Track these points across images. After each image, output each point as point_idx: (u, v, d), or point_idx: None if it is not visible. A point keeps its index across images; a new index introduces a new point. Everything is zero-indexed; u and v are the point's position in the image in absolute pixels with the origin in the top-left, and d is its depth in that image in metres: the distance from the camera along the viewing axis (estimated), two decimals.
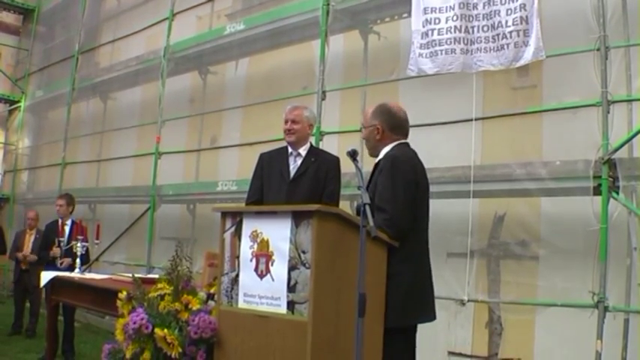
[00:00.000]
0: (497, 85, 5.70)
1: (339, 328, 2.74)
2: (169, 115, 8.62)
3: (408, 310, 2.96)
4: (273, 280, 2.84)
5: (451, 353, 5.66)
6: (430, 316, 3.10)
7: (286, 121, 4.01)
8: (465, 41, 5.17)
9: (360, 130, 3.73)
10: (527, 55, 4.85)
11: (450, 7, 5.26)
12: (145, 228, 8.53)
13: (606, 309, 4.38)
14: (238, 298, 2.98)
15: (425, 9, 5.42)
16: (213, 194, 7.78)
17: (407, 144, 3.22)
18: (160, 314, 3.16)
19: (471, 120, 5.24)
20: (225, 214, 3.12)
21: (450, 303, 5.10)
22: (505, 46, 4.95)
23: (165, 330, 3.08)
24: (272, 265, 2.85)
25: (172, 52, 8.73)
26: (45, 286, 4.91)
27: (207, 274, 3.72)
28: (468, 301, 5.12)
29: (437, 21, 5.33)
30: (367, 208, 2.59)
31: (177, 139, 8.78)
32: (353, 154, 2.87)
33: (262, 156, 4.16)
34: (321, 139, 6.29)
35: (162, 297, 3.24)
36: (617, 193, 4.48)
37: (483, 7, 5.10)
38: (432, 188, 3.25)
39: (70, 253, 6.13)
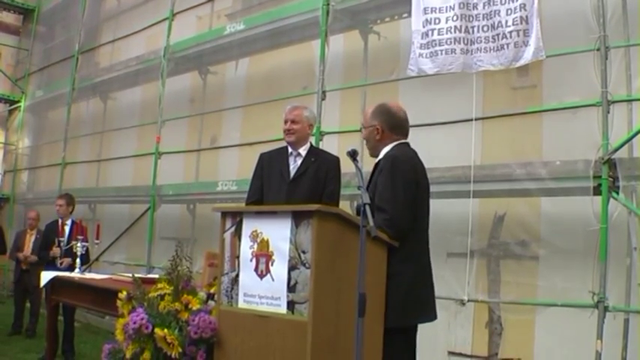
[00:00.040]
0: (497, 85, 5.71)
1: (339, 328, 2.74)
2: (169, 115, 8.62)
3: (408, 310, 2.96)
4: (273, 280, 2.84)
5: (451, 353, 5.67)
6: (431, 315, 3.09)
7: (286, 121, 4.01)
8: (465, 41, 5.17)
9: (360, 130, 3.74)
10: (527, 55, 4.85)
11: (450, 7, 5.26)
12: (145, 228, 8.53)
13: (606, 309, 4.38)
14: (238, 298, 2.98)
15: (425, 9, 5.42)
16: (213, 194, 7.78)
17: (407, 144, 3.22)
18: (159, 314, 3.16)
19: (471, 120, 5.24)
20: (225, 214, 3.12)
21: (450, 303, 5.10)
22: (505, 46, 4.95)
23: (165, 330, 3.08)
24: (272, 265, 2.85)
25: (172, 52, 8.73)
26: (45, 286, 4.91)
27: (207, 274, 3.72)
28: (468, 301, 5.12)
29: (437, 21, 5.33)
30: (367, 208, 2.59)
31: (177, 139, 8.78)
32: (353, 154, 2.86)
33: (262, 156, 4.16)
34: (321, 139, 6.29)
35: (162, 297, 3.24)
36: (617, 193, 4.48)
37: (483, 7, 5.10)
38: (432, 188, 3.25)
39: (70, 253, 6.13)
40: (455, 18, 5.21)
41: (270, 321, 2.83)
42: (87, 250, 5.75)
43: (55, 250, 6.52)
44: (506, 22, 4.93)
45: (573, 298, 4.61)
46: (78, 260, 5.34)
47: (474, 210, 5.22)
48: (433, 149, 4.93)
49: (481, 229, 5.47)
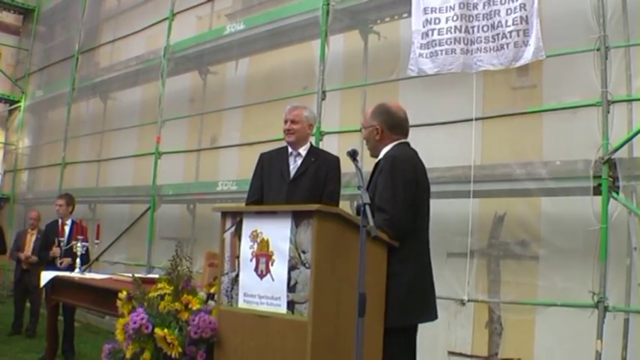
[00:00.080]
0: (497, 85, 5.71)
1: (339, 328, 2.74)
2: (169, 115, 8.62)
3: (408, 310, 2.96)
4: (273, 280, 2.84)
5: (451, 353, 5.67)
6: (431, 315, 3.09)
7: (286, 121, 4.01)
8: (465, 41, 5.17)
9: (360, 130, 3.73)
10: (527, 55, 4.86)
11: (450, 7, 5.26)
12: (145, 228, 8.53)
13: (606, 309, 4.38)
14: (238, 298, 2.98)
15: (425, 9, 5.43)
16: (213, 194, 7.78)
17: (407, 143, 3.22)
18: (159, 314, 3.16)
19: (471, 120, 5.24)
20: (225, 214, 3.13)
21: (450, 303, 5.10)
22: (505, 46, 4.95)
23: (166, 330, 3.08)
24: (272, 265, 2.85)
25: (172, 52, 8.73)
26: (45, 286, 4.91)
27: (207, 274, 3.72)
28: (468, 300, 5.12)
29: (437, 21, 5.33)
30: (367, 208, 2.58)
31: (177, 139, 8.78)
32: (353, 154, 2.86)
33: (262, 156, 4.15)
34: (321, 139, 6.29)
35: (162, 297, 3.24)
36: (617, 193, 4.48)
37: (483, 7, 5.10)
38: (432, 188, 3.25)
39: (70, 253, 6.13)
40: (455, 18, 5.21)
41: (270, 321, 2.83)
42: (87, 250, 5.75)
43: (55, 250, 6.51)
44: (506, 22, 4.93)
45: (573, 298, 4.61)
46: (78, 260, 5.34)
47: (474, 210, 5.22)
48: (433, 149, 4.92)
49: (481, 229, 5.47)
